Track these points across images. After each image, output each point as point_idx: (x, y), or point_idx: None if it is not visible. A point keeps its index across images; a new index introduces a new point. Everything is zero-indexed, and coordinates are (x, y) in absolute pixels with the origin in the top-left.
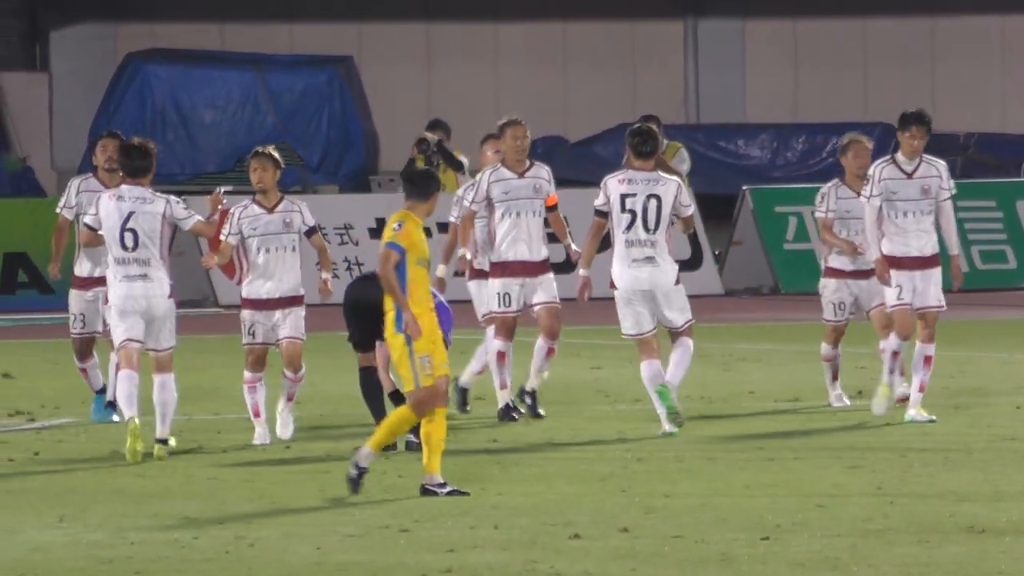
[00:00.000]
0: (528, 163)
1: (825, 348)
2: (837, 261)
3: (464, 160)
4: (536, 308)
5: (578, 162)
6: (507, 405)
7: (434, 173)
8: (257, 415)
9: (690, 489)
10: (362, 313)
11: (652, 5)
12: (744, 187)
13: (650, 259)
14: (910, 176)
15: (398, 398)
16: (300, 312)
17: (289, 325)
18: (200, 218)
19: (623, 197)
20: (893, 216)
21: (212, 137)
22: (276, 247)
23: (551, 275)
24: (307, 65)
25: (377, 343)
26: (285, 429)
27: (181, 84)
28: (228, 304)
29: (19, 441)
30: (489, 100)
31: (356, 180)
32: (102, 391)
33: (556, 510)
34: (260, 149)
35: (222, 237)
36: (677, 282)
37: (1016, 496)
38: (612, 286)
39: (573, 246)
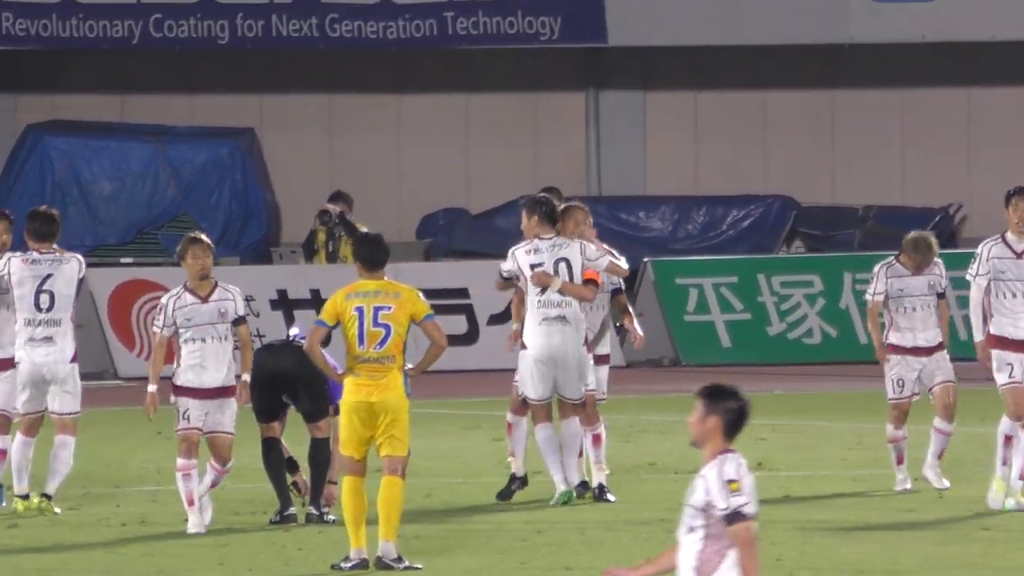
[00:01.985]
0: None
1: (889, 429)
2: (895, 337)
3: (366, 231)
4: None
5: (480, 234)
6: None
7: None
8: (191, 503)
9: (591, 562)
10: (266, 383)
11: (554, 77)
12: (645, 259)
13: (562, 318)
14: (1019, 256)
15: (292, 466)
16: (232, 405)
17: (221, 418)
18: None
19: (532, 267)
20: (1001, 296)
21: (112, 209)
22: (211, 337)
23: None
24: (208, 137)
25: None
26: (205, 514)
27: (81, 156)
28: (128, 376)
29: None
30: (391, 171)
31: (257, 251)
32: None
33: None
34: (196, 236)
35: (155, 329)
36: (590, 350)
37: (913, 569)
38: (522, 346)
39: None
